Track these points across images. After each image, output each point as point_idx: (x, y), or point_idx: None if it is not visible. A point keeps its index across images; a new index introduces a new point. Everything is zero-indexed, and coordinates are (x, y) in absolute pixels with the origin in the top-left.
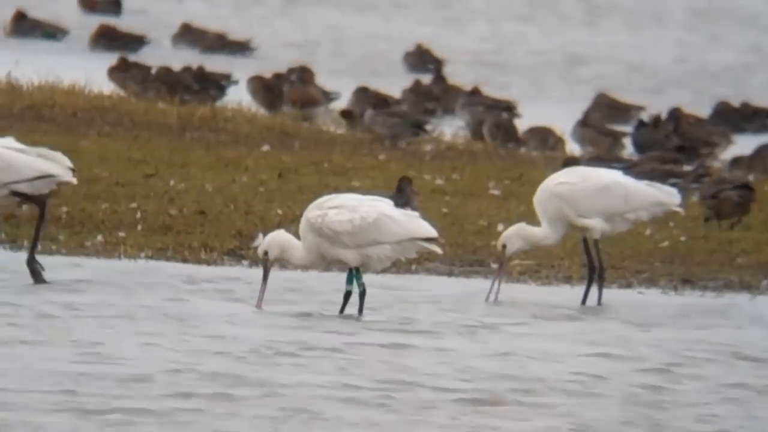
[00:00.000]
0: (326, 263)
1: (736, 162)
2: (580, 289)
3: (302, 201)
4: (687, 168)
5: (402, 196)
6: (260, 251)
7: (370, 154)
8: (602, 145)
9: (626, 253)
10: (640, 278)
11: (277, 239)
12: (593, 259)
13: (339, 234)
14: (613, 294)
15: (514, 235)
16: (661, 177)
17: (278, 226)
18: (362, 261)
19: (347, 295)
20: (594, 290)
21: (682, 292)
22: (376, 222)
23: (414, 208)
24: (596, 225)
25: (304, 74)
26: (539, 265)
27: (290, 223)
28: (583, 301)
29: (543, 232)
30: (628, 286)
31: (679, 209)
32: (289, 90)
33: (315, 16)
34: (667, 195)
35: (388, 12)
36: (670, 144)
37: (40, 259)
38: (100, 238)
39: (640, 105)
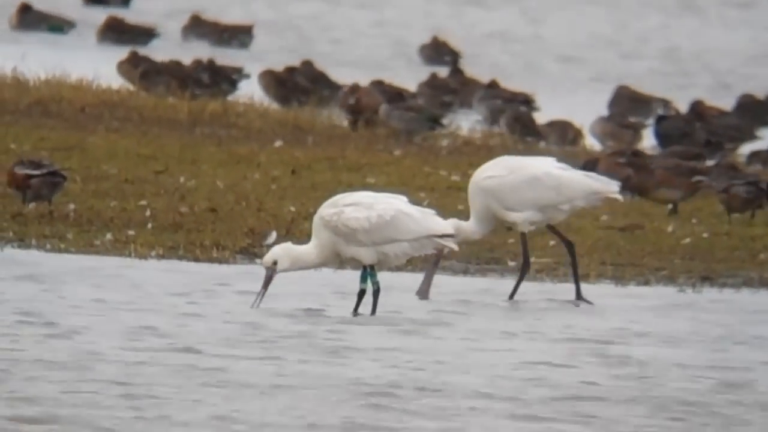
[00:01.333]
0: (340, 261)
1: (755, 156)
2: (596, 287)
3: (316, 198)
4: (709, 163)
5: None
6: (268, 260)
7: (385, 150)
8: (622, 139)
9: (646, 250)
10: (659, 276)
11: (288, 251)
12: (525, 253)
13: (355, 231)
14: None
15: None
16: (686, 174)
17: (291, 224)
18: (378, 259)
19: (361, 293)
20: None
21: (700, 289)
22: (393, 219)
23: None
24: (524, 219)
25: (311, 68)
26: (557, 263)
27: (303, 220)
28: (511, 296)
29: (470, 227)
30: (646, 283)
31: (617, 197)
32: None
33: (327, 5)
34: (604, 183)
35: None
36: (696, 138)
37: (47, 257)
38: (109, 236)
39: (663, 98)
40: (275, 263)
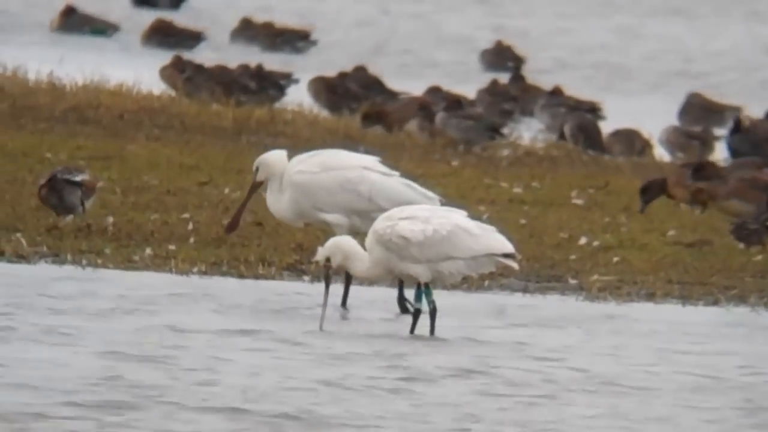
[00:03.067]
0: (392, 278)
1: None
2: (663, 307)
3: None
4: None
5: None
6: (321, 257)
7: (442, 160)
8: (693, 151)
9: (715, 267)
10: (728, 295)
11: (340, 245)
12: None
13: (409, 246)
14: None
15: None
16: (762, 188)
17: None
18: (433, 276)
19: (417, 313)
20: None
21: None
22: (450, 235)
23: None
24: (333, 221)
25: (364, 74)
26: (621, 281)
27: (354, 235)
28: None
29: (279, 213)
30: (715, 303)
31: None
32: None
33: (384, 7)
34: (423, 197)
35: (465, 2)
36: None
37: (84, 273)
38: (149, 251)
39: (737, 106)
40: (328, 260)
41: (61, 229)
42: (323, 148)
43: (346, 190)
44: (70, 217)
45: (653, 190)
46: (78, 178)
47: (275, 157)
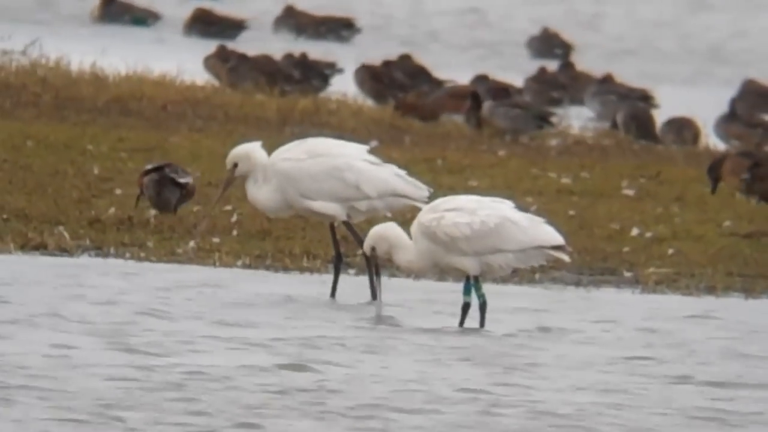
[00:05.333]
0: (439, 271)
1: None
2: (725, 300)
3: None
4: None
5: None
6: (367, 247)
7: (488, 150)
8: (750, 139)
9: None
10: None
11: (385, 233)
12: (335, 246)
13: (456, 239)
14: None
15: None
16: None
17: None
18: (482, 269)
19: (466, 307)
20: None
21: None
22: (498, 227)
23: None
24: (319, 209)
25: (410, 62)
26: (677, 273)
27: (400, 225)
28: (332, 293)
29: (261, 203)
30: None
31: (421, 206)
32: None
33: None
34: (413, 188)
35: None
36: None
37: (129, 266)
38: (192, 244)
39: None
40: (374, 249)
41: (103, 221)
42: (371, 138)
43: (332, 177)
44: (153, 212)
45: (717, 169)
46: (183, 180)
47: (253, 148)
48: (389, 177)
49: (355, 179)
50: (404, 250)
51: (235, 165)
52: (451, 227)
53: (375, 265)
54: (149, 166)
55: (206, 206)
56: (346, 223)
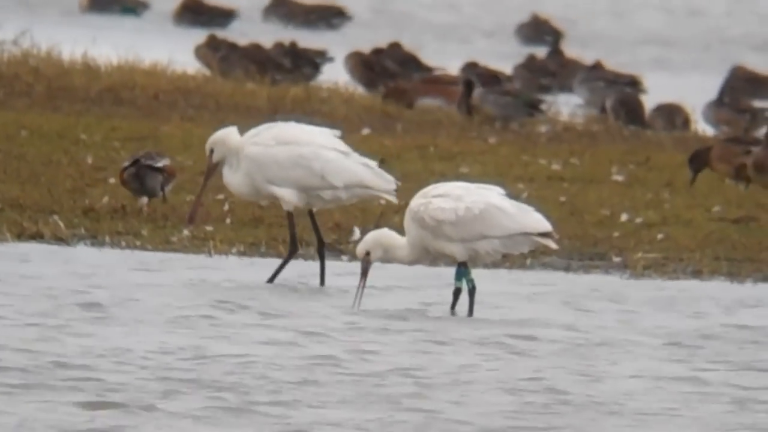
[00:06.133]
0: (432, 258)
1: None
2: (709, 284)
3: (406, 189)
4: None
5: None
6: (360, 251)
7: (479, 137)
8: (738, 125)
9: (764, 243)
10: None
11: (379, 239)
12: (292, 234)
13: (441, 225)
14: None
15: None
16: None
17: (380, 217)
18: (470, 255)
19: (457, 292)
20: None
21: None
22: (483, 213)
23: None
24: (283, 196)
25: (400, 50)
26: (666, 258)
27: (393, 214)
28: (321, 281)
29: (232, 187)
30: (765, 279)
31: (391, 197)
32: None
33: None
34: (380, 179)
35: None
36: None
37: (123, 255)
38: (186, 232)
39: None
40: (368, 254)
41: (97, 210)
42: (363, 126)
43: (299, 165)
44: (144, 200)
45: (700, 159)
46: (160, 164)
47: (229, 134)
48: (356, 168)
49: (322, 169)
50: (399, 247)
51: (212, 151)
52: (436, 212)
53: (364, 269)
54: (125, 164)
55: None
56: (289, 214)
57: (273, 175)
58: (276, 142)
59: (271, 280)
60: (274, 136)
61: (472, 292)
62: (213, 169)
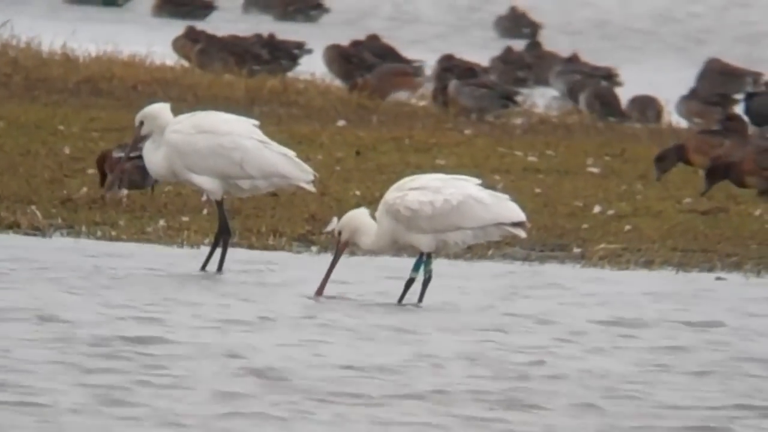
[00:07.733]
0: (396, 248)
1: None
2: (658, 274)
3: (381, 181)
4: None
5: None
6: (336, 230)
7: (455, 129)
8: (711, 117)
9: (726, 235)
10: (726, 262)
11: (350, 219)
12: (222, 221)
13: (417, 217)
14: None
15: None
16: None
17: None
18: (437, 246)
19: (409, 282)
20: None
21: (765, 275)
22: (461, 205)
23: None
24: (203, 184)
25: (378, 42)
26: (624, 249)
27: (368, 204)
28: (203, 266)
29: (153, 169)
30: (710, 270)
31: (308, 187)
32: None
33: None
34: (297, 170)
35: None
36: None
37: (100, 246)
38: (162, 222)
39: (757, 71)
40: (340, 233)
41: (75, 201)
42: (339, 118)
43: (217, 154)
44: (124, 192)
45: (670, 158)
46: None
47: (160, 109)
48: (274, 158)
49: (240, 158)
50: (366, 234)
51: (142, 124)
52: (414, 204)
53: (337, 252)
54: (119, 154)
55: (177, 185)
56: (218, 203)
57: (192, 162)
58: (196, 130)
59: (219, 269)
60: (194, 125)
61: (427, 281)
62: (138, 140)
